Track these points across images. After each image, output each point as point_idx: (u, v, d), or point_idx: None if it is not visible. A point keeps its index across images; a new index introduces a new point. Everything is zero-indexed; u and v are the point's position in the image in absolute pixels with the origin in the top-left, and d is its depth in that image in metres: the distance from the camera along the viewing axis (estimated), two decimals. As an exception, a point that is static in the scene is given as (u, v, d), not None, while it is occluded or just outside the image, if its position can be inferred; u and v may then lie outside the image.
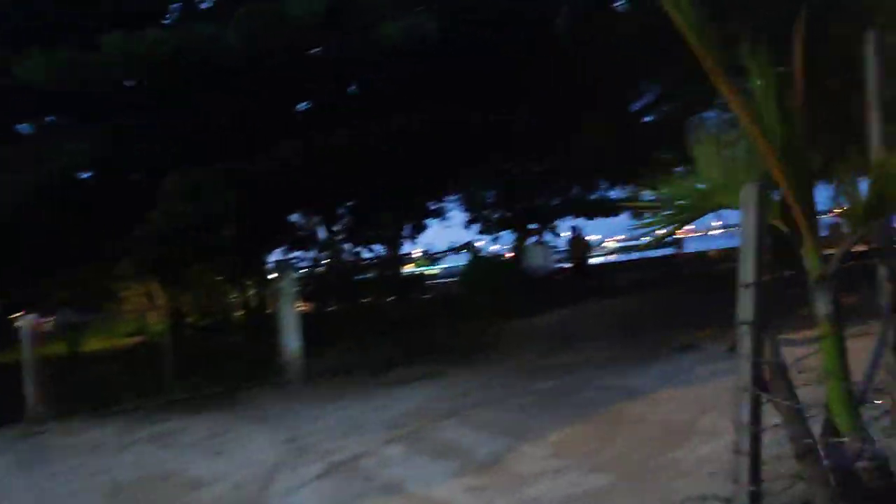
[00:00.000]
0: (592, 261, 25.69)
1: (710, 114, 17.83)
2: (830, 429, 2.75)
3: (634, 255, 42.14)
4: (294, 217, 21.21)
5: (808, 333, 9.09)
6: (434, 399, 8.52)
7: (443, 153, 16.24)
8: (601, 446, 5.56)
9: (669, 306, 13.40)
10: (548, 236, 21.72)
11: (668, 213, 3.49)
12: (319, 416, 8.50)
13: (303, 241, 20.84)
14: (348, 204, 18.52)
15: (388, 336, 14.41)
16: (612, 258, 48.17)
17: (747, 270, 2.76)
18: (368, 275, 18.86)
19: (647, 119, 19.39)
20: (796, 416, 2.70)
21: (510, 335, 12.19)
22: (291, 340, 11.72)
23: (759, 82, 2.69)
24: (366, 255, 19.50)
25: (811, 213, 2.85)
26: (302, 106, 14.39)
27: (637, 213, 3.54)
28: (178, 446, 7.70)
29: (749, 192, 2.68)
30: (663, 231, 3.51)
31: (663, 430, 5.77)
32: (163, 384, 10.97)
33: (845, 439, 2.67)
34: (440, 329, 13.20)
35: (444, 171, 17.91)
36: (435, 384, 9.61)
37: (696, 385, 7.39)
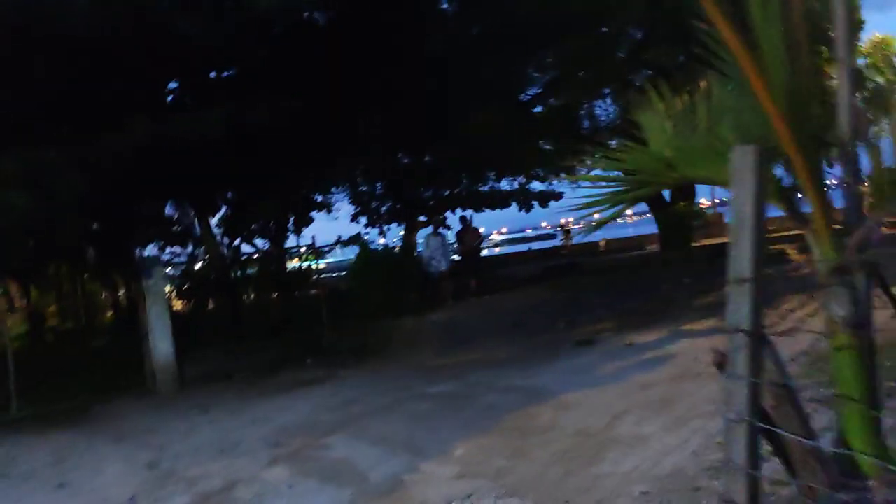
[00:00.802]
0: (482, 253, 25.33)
1: (599, 104, 17.93)
2: (851, 470, 2.16)
3: (521, 248, 42.52)
4: (168, 210, 19.71)
5: (706, 324, 8.84)
6: (322, 408, 7.68)
7: (325, 142, 15.35)
8: (513, 462, 4.93)
9: (563, 300, 13.07)
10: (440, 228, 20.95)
11: (617, 189, 2.85)
12: (190, 431, 7.49)
13: (178, 235, 19.37)
14: (227, 195, 17.27)
15: (271, 337, 13.43)
16: (497, 251, 48.56)
17: (742, 261, 2.13)
18: (250, 271, 17.63)
19: (535, 110, 19.16)
20: (813, 456, 2.10)
21: (403, 333, 11.47)
22: (161, 344, 10.54)
23: (761, 17, 2.07)
24: (248, 249, 18.27)
25: (821, 186, 2.26)
26: (172, 87, 13.15)
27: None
28: (13, 477, 6.48)
29: (744, 157, 2.05)
30: (612, 211, 2.87)
31: (579, 440, 5.21)
32: (7, 399, 9.56)
33: (871, 484, 2.09)
34: (327, 328, 12.34)
35: (327, 161, 16.99)
36: (322, 390, 8.76)
37: (602, 384, 6.93)
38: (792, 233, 16.69)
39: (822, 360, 6.37)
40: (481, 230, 23.25)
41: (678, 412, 5.44)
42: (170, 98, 12.85)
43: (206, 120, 9.75)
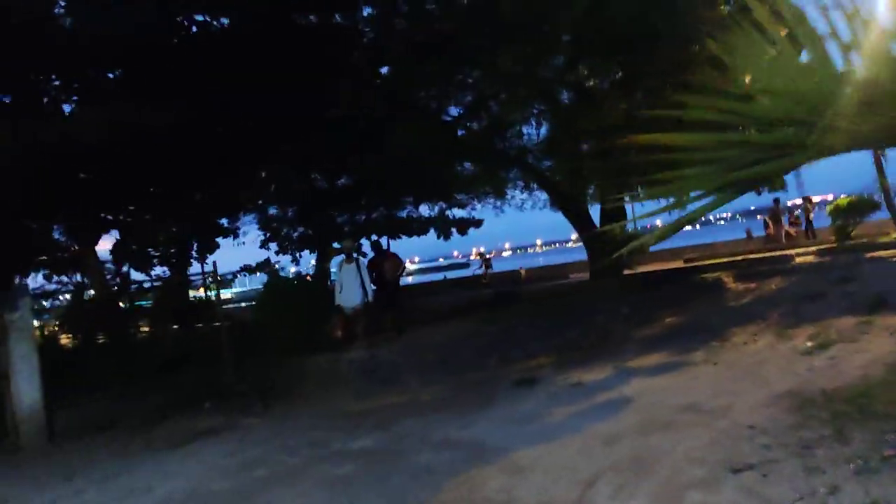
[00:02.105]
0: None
1: (526, 125, 17.15)
2: None
3: (436, 277, 41.61)
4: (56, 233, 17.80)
5: (655, 359, 7.93)
6: (218, 471, 6.31)
7: (230, 161, 13.99)
8: (467, 555, 3.78)
9: (493, 333, 12.04)
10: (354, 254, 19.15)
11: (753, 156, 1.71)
12: (49, 505, 6.00)
13: (64, 262, 17.45)
14: (119, 216, 15.56)
15: (165, 376, 11.84)
16: (409, 280, 47.50)
17: None
18: (145, 302, 15.87)
19: (459, 132, 18.28)
20: None
21: (317, 373, 10.17)
22: (26, 389, 8.92)
23: None
24: (146, 277, 16.52)
25: None
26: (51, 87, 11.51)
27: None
28: None
29: None
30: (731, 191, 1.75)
31: (547, 519, 4.11)
32: None
33: None
34: (230, 367, 10.89)
35: (233, 182, 15.59)
36: (220, 445, 7.38)
37: (557, 437, 5.86)
38: (718, 260, 16.05)
39: (811, 404, 5.53)
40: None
41: (662, 477, 4.42)
42: (47, 99, 11.22)
43: (87, 121, 8.29)
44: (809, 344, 8.00)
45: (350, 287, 11.76)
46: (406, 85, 15.47)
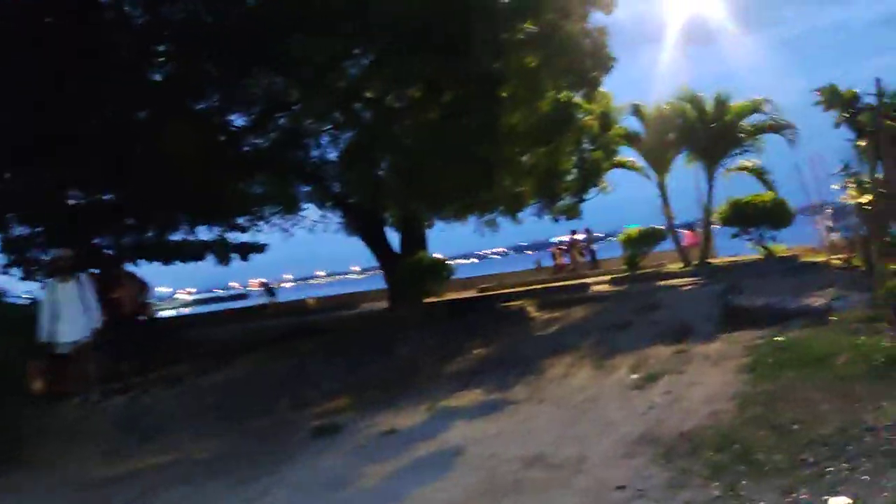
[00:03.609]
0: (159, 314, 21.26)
1: (325, 142, 15.67)
2: None
3: (215, 307, 38.48)
4: None
5: (473, 397, 6.82)
6: None
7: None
8: None
9: (282, 371, 10.47)
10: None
11: None
12: None
13: None
14: None
15: None
16: (185, 311, 43.66)
17: None
18: None
19: (242, 148, 16.40)
20: None
21: (58, 426, 7.96)
22: None
23: None
24: None
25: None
26: None
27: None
28: None
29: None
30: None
31: None
32: None
33: None
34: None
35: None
36: None
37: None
38: (516, 289, 15.62)
39: (677, 453, 4.72)
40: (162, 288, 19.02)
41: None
42: None
43: None
44: (635, 376, 7.43)
45: (69, 315, 8.56)
46: (181, 87, 13.51)
